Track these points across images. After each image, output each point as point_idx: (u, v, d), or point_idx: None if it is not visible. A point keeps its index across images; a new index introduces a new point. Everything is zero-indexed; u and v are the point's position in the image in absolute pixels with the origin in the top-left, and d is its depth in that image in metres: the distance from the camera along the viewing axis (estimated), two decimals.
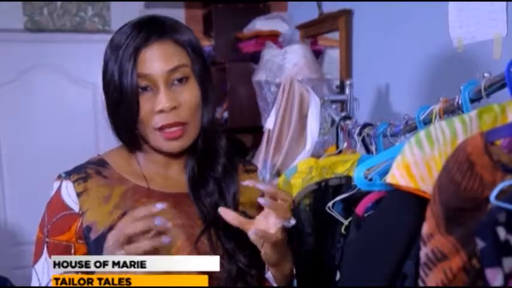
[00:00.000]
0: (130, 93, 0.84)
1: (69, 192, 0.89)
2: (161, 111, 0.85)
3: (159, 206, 0.76)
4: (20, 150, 2.90)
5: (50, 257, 0.86)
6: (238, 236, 0.85)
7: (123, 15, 2.89)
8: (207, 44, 2.76)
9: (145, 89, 0.86)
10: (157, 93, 0.85)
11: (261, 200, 0.80)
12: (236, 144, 2.79)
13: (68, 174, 0.91)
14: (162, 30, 0.87)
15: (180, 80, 0.87)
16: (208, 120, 0.92)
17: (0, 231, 2.89)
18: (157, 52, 0.86)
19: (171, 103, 0.84)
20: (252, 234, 0.81)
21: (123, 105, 0.85)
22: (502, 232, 0.46)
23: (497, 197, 0.48)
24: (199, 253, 0.87)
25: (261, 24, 2.61)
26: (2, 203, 2.90)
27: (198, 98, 0.89)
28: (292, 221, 0.82)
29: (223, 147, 0.97)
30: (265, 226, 0.82)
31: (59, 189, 0.90)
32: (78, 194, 0.89)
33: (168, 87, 0.86)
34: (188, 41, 0.90)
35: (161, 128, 0.86)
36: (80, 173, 0.91)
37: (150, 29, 0.87)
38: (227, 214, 0.83)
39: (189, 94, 0.88)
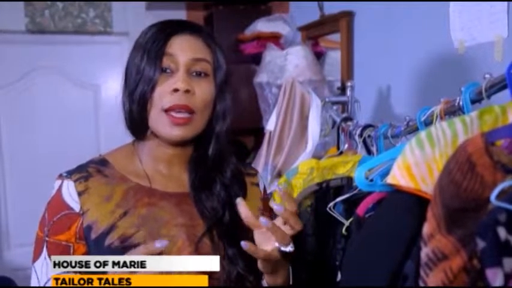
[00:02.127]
0: (152, 72, 0.88)
1: (70, 192, 0.89)
2: (175, 90, 0.87)
3: (158, 245, 0.77)
4: (22, 152, 2.90)
5: (49, 256, 0.87)
6: (239, 239, 0.85)
7: (124, 17, 2.91)
8: None
9: (165, 70, 0.89)
10: (176, 75, 0.89)
11: (261, 220, 0.80)
12: (237, 145, 2.79)
13: (69, 174, 0.91)
14: (195, 28, 0.94)
15: (200, 74, 0.91)
16: (222, 127, 0.94)
17: (1, 233, 2.90)
18: (187, 40, 0.91)
19: (186, 85, 0.87)
20: (243, 245, 0.82)
21: (140, 84, 0.88)
22: (502, 232, 0.46)
23: (498, 197, 0.48)
24: (200, 253, 0.87)
25: (262, 26, 2.61)
26: (4, 205, 2.90)
27: (212, 96, 0.92)
28: (291, 248, 0.81)
29: (232, 154, 0.99)
30: (262, 240, 0.83)
31: (59, 188, 0.90)
32: (79, 193, 0.89)
33: (187, 73, 0.89)
34: (217, 48, 0.94)
35: (169, 110, 0.87)
36: (81, 172, 0.91)
37: (184, 24, 0.93)
38: (243, 208, 0.83)
39: (205, 87, 0.91)
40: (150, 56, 0.88)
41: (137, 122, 0.91)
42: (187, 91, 0.87)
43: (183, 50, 0.89)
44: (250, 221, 0.83)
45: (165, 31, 0.90)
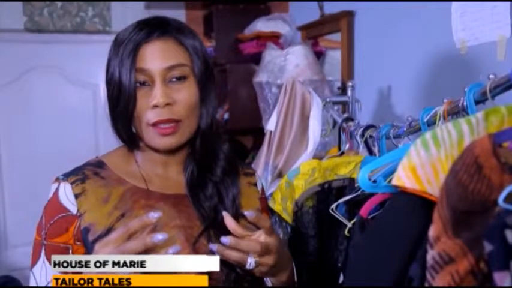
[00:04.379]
0: (128, 87, 0.85)
1: (66, 194, 0.88)
2: (155, 106, 0.85)
3: (153, 215, 0.76)
4: (20, 152, 2.89)
5: (47, 259, 0.86)
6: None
7: (123, 15, 2.90)
8: (207, 45, 2.75)
9: (143, 84, 0.87)
10: (153, 88, 0.86)
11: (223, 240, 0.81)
12: (237, 145, 2.78)
13: (66, 176, 0.90)
14: (165, 28, 0.88)
15: (179, 78, 0.88)
16: (207, 122, 0.92)
17: None
18: (157, 48, 0.87)
19: (165, 99, 0.85)
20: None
21: (121, 100, 0.86)
22: (510, 235, 0.45)
23: (506, 200, 0.48)
24: (198, 254, 0.86)
25: (262, 25, 2.61)
26: (2, 205, 2.89)
27: (195, 98, 0.89)
28: (249, 266, 0.82)
29: (224, 150, 0.97)
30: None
31: (56, 191, 0.89)
32: (76, 196, 0.88)
33: (164, 83, 0.86)
34: (191, 42, 0.90)
35: (155, 124, 0.86)
36: (77, 175, 0.90)
37: (153, 26, 0.88)
38: (228, 221, 0.83)
39: (186, 93, 0.88)
40: (124, 72, 0.85)
41: (125, 137, 0.91)
42: (167, 104, 0.85)
43: (154, 60, 0.86)
44: (238, 232, 0.83)
45: (132, 41, 0.86)
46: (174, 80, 0.87)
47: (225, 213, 0.84)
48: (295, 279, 0.93)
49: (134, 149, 0.94)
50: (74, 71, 2.96)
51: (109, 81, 0.89)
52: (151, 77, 0.86)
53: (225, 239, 0.81)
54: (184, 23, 0.94)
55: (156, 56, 0.86)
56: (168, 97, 0.85)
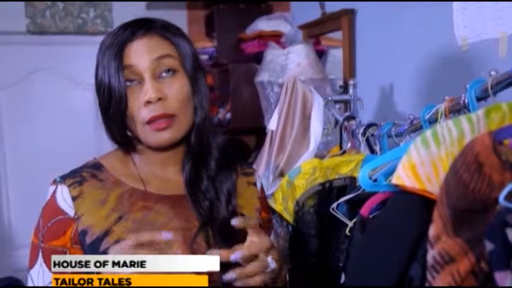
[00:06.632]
0: (117, 88, 0.85)
1: (64, 197, 0.88)
2: (148, 102, 0.84)
3: (165, 235, 0.75)
4: (23, 153, 2.90)
5: (45, 262, 0.86)
6: (235, 239, 0.83)
7: (125, 16, 2.87)
8: (209, 45, 2.75)
9: (132, 81, 0.86)
10: (144, 85, 0.86)
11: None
12: (239, 145, 2.78)
13: (63, 178, 0.90)
14: (148, 26, 0.88)
15: (168, 71, 0.87)
16: (201, 117, 0.91)
17: (3, 234, 2.89)
18: (143, 44, 0.86)
19: (157, 93, 0.84)
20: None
21: (112, 101, 0.86)
22: (511, 234, 0.45)
23: (507, 198, 0.47)
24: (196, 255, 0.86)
25: (263, 25, 2.60)
26: (6, 205, 2.90)
27: (187, 91, 0.88)
28: (271, 267, 0.79)
29: (219, 145, 0.96)
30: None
31: (54, 193, 0.89)
32: (74, 198, 0.87)
33: (154, 78, 0.86)
34: (177, 37, 0.90)
35: (149, 122, 0.85)
36: (75, 177, 0.90)
37: (136, 26, 0.88)
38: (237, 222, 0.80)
39: (177, 86, 0.87)
40: (112, 73, 0.85)
41: (120, 140, 0.90)
42: (159, 99, 0.85)
43: (141, 56, 0.85)
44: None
45: (117, 42, 0.86)
46: (164, 74, 0.87)
47: (237, 219, 0.80)
48: (287, 278, 0.92)
49: (130, 151, 0.94)
50: (77, 72, 2.96)
51: (99, 86, 0.88)
52: (140, 73, 0.86)
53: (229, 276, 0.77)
54: (168, 21, 0.93)
55: (143, 52, 0.86)
56: (160, 91, 0.85)
